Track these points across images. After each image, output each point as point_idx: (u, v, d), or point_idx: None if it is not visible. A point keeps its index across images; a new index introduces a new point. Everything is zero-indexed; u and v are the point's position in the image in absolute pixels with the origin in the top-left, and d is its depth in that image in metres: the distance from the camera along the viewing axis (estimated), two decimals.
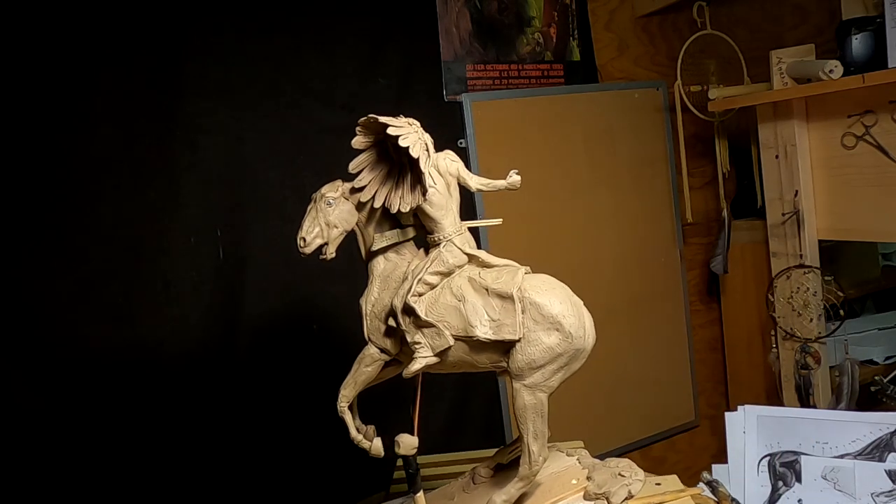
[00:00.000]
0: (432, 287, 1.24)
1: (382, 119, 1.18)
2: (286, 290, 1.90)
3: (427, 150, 1.20)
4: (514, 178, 1.21)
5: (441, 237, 1.24)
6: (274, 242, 1.88)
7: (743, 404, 1.88)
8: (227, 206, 1.83)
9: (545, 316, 1.15)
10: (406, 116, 1.30)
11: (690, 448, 2.68)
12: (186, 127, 1.78)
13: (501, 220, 1.31)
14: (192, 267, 1.78)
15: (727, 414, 1.88)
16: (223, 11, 1.82)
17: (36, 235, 1.61)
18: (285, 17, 1.90)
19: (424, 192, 1.19)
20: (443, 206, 1.24)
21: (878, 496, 1.65)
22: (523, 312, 1.15)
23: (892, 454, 1.68)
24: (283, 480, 1.89)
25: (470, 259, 1.25)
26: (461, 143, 2.14)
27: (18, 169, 1.60)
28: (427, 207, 1.23)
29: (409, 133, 1.18)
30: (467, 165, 1.29)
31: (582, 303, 1.19)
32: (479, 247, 1.29)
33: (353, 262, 1.92)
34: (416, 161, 1.17)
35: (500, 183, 1.24)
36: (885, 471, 1.66)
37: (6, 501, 1.57)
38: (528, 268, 1.23)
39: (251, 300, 1.85)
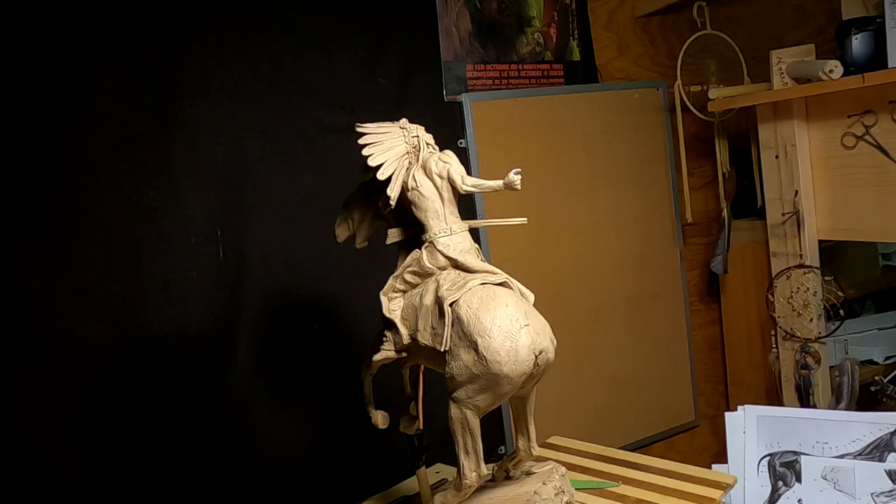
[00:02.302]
0: (412, 286, 1.26)
1: (360, 128, 1.25)
2: (286, 290, 1.90)
3: (417, 153, 1.25)
4: (513, 177, 1.14)
5: (426, 238, 1.25)
6: (274, 242, 1.88)
7: (743, 404, 1.89)
8: (227, 206, 1.83)
9: (466, 333, 1.10)
10: (407, 116, 1.31)
11: (690, 448, 2.68)
12: (186, 127, 1.77)
13: (526, 219, 1.25)
14: (192, 267, 1.78)
15: (727, 414, 1.88)
16: (223, 11, 1.82)
17: (36, 235, 1.61)
18: (285, 17, 1.90)
19: (387, 203, 1.24)
20: (426, 208, 1.24)
21: (878, 496, 1.66)
22: (452, 326, 1.13)
23: (892, 454, 1.69)
24: (283, 481, 1.89)
25: (451, 262, 1.23)
26: (461, 143, 2.15)
27: (18, 169, 1.60)
28: (413, 209, 1.25)
29: (388, 147, 1.24)
30: (467, 165, 1.30)
31: (530, 329, 1.09)
32: (480, 246, 1.29)
33: (352, 264, 1.93)
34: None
35: (494, 183, 1.18)
36: (885, 471, 1.67)
37: (6, 501, 1.57)
38: (504, 278, 1.18)
39: (251, 300, 1.85)
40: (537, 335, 1.10)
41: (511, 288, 1.17)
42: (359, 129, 1.25)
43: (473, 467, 1.17)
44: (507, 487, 1.29)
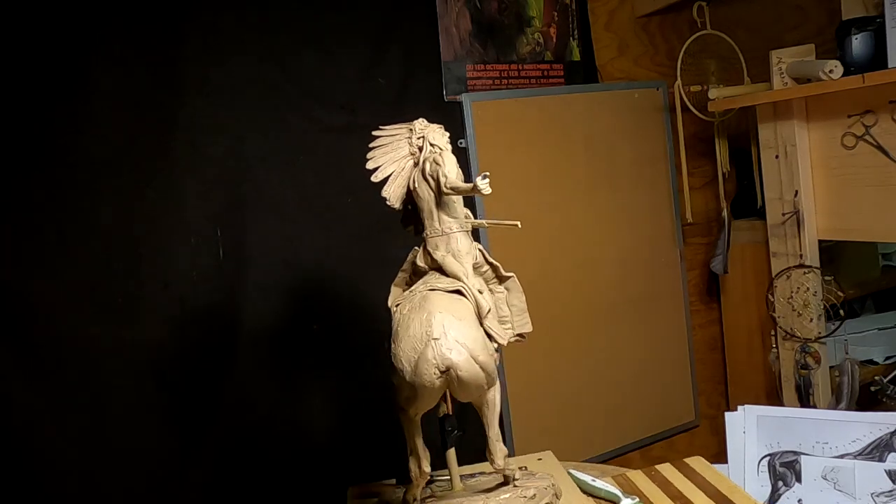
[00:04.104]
0: (413, 280, 1.28)
1: (375, 132, 1.28)
2: (286, 290, 1.90)
3: (419, 155, 1.27)
4: (479, 182, 1.11)
5: (423, 236, 1.27)
6: (274, 242, 1.88)
7: (743, 404, 1.88)
8: (227, 206, 1.83)
9: (392, 336, 1.13)
10: (407, 116, 1.33)
11: (690, 448, 2.68)
12: (186, 127, 1.78)
13: (519, 223, 1.23)
14: (192, 267, 1.78)
15: (727, 414, 1.88)
16: (223, 11, 1.82)
17: (36, 235, 1.61)
18: (285, 17, 1.90)
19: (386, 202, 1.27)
20: (422, 208, 1.26)
21: (878, 496, 1.66)
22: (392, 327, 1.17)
23: (892, 454, 1.68)
24: (282, 481, 1.89)
25: (434, 263, 1.23)
26: (461, 143, 2.14)
27: (18, 169, 1.60)
28: (416, 208, 1.27)
29: (390, 150, 1.27)
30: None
31: (438, 343, 1.06)
32: (483, 246, 1.29)
33: (352, 263, 1.93)
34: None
35: (467, 186, 1.17)
36: (885, 471, 1.67)
37: (6, 501, 1.57)
38: (460, 286, 1.17)
39: (251, 300, 1.85)
40: (447, 351, 1.06)
41: (465, 296, 1.17)
42: (374, 133, 1.28)
43: (415, 464, 1.22)
44: (472, 495, 1.30)
